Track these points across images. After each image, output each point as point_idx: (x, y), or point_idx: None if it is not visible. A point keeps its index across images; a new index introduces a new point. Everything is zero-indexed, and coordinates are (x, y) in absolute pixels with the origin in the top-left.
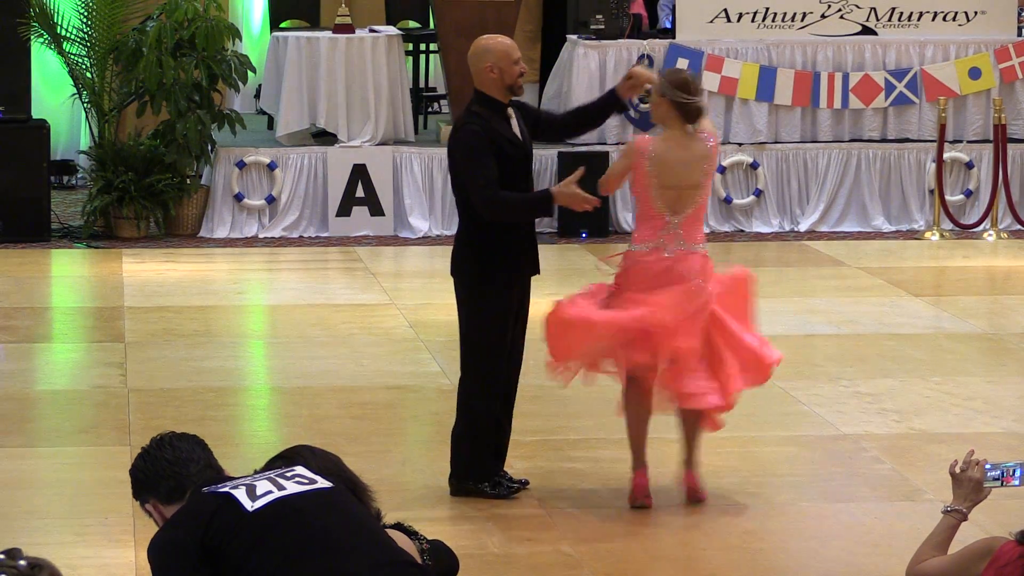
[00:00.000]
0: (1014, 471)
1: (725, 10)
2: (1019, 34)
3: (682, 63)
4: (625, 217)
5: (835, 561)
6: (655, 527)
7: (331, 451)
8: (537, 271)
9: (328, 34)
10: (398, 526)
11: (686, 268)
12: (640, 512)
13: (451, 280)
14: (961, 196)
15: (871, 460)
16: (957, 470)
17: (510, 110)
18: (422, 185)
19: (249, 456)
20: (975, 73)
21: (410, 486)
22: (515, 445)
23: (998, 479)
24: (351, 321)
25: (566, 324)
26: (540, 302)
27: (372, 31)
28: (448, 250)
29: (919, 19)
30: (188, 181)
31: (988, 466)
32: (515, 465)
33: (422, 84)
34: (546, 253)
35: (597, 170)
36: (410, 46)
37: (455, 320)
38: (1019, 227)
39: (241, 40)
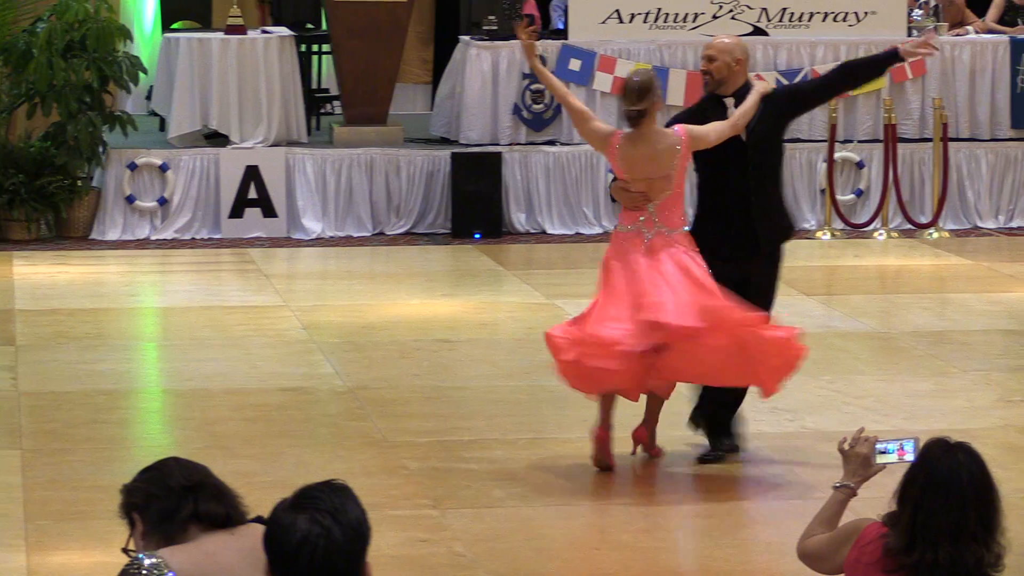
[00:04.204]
0: (905, 445)
1: (617, 11)
2: (909, 34)
3: (574, 64)
4: (518, 217)
5: (728, 561)
6: (549, 527)
7: (225, 453)
8: None
9: (220, 35)
10: (259, 520)
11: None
12: (534, 511)
13: (346, 280)
14: (852, 196)
15: (763, 460)
16: (846, 447)
17: (727, 100)
18: (315, 186)
19: (141, 459)
20: None
21: None
22: (408, 446)
23: (891, 453)
24: (244, 323)
25: None
26: (434, 303)
27: (264, 32)
28: (341, 251)
29: (810, 20)
30: (79, 183)
31: (879, 442)
32: (409, 466)
33: (314, 85)
34: (439, 254)
35: (490, 171)
36: (303, 47)
37: (349, 321)
38: (909, 226)
39: (132, 41)
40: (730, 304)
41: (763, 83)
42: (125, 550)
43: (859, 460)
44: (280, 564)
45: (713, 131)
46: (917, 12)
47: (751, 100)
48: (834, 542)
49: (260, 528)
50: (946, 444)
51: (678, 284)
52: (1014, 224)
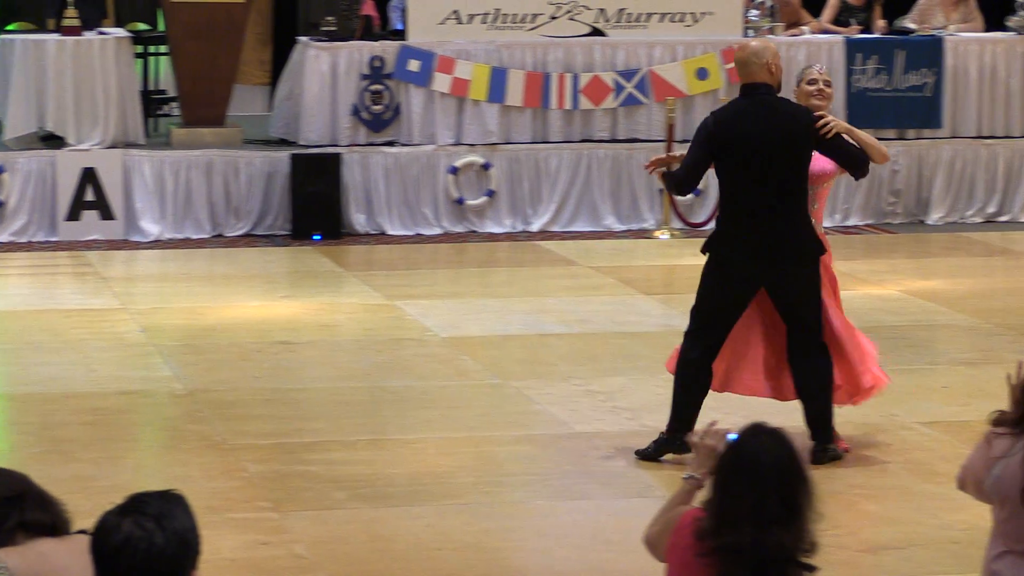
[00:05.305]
0: None
1: (456, 11)
2: (745, 35)
3: (413, 65)
4: (358, 218)
5: (569, 560)
6: (391, 529)
7: (63, 458)
8: None
9: (56, 36)
10: (83, 532)
11: None
12: (376, 513)
13: (185, 283)
14: (690, 195)
15: (604, 458)
16: (695, 439)
17: None
18: (153, 188)
19: None
20: (702, 73)
21: None
22: (248, 448)
23: None
24: (81, 327)
25: None
26: (273, 305)
27: (100, 33)
28: (180, 253)
29: (647, 20)
30: None
31: (730, 434)
32: (249, 468)
33: (151, 86)
34: (279, 255)
35: (329, 172)
36: (139, 48)
37: (188, 324)
38: None
39: None
40: None
41: None
42: None
43: (707, 451)
44: (102, 565)
45: None
46: (753, 13)
47: None
48: (663, 529)
49: (88, 537)
50: (756, 428)
51: None
52: (849, 223)
